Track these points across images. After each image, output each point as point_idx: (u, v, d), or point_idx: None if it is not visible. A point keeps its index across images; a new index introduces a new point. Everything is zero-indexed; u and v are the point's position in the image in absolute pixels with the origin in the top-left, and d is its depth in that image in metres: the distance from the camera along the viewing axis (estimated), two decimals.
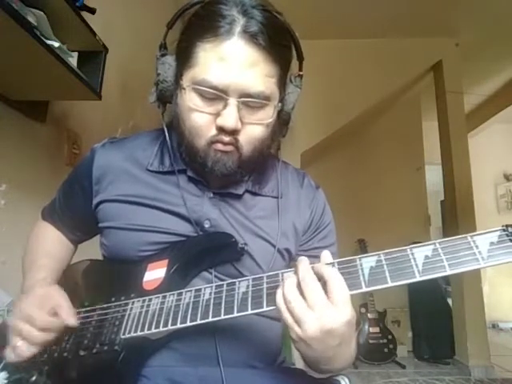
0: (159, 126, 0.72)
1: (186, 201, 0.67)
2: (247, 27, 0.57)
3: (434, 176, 4.10)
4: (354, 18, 3.02)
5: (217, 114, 0.59)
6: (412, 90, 3.75)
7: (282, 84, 0.64)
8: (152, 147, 0.73)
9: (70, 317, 0.58)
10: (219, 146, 0.61)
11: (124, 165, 0.71)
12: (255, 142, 0.63)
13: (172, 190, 0.69)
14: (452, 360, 3.13)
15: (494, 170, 4.94)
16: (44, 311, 0.58)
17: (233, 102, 0.58)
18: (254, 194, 0.72)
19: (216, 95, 0.58)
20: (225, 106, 0.58)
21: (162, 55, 0.66)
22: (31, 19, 0.87)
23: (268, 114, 0.62)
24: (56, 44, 0.96)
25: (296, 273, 0.50)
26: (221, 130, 0.59)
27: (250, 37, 0.56)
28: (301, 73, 0.69)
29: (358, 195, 3.77)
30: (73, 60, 1.10)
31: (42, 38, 0.89)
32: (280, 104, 0.64)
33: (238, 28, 0.56)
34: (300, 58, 0.68)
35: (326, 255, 0.53)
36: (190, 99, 0.60)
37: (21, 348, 0.56)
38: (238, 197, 0.70)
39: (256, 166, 0.71)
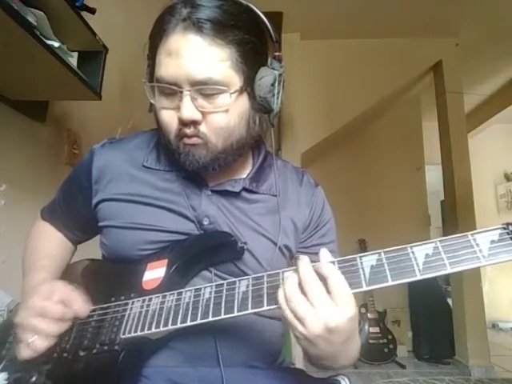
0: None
1: (184, 198, 0.68)
2: (189, 16, 0.57)
3: (434, 176, 4.10)
4: (354, 17, 3.02)
5: (178, 109, 0.60)
6: (412, 90, 3.75)
7: (245, 67, 0.61)
8: (148, 146, 0.74)
9: (81, 305, 0.60)
10: (186, 140, 0.62)
11: (123, 164, 0.72)
12: (221, 131, 0.62)
13: (170, 188, 0.69)
14: (452, 360, 3.12)
15: (494, 170, 4.93)
16: (55, 303, 0.58)
17: (186, 92, 0.58)
18: (251, 191, 0.72)
19: (171, 89, 0.59)
20: (181, 99, 0.59)
21: (148, 65, 0.67)
22: (31, 19, 0.87)
23: (226, 100, 0.60)
24: (56, 44, 0.95)
25: (297, 271, 0.50)
26: (181, 123, 0.60)
27: (192, 24, 0.57)
28: (277, 54, 0.65)
29: (358, 195, 3.77)
30: (73, 60, 1.10)
31: (42, 37, 0.89)
32: (241, 88, 0.61)
33: (181, 19, 0.58)
34: (272, 39, 0.65)
35: (325, 252, 0.53)
36: (155, 99, 0.62)
37: (36, 342, 0.56)
38: (236, 194, 0.70)
39: (236, 157, 0.68)
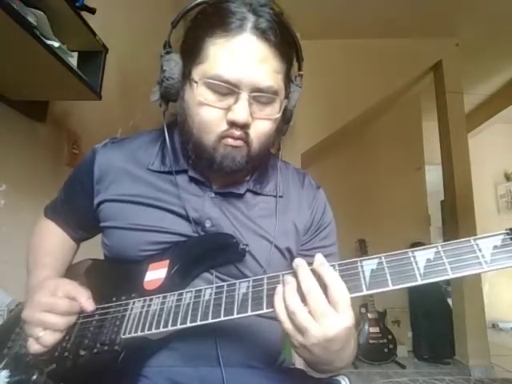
0: (159, 125, 0.71)
1: (186, 200, 0.67)
2: (258, 24, 0.58)
3: (434, 176, 4.10)
4: (354, 18, 3.02)
5: (228, 109, 0.60)
6: (412, 90, 3.75)
7: (288, 81, 0.66)
8: (153, 147, 0.73)
9: (87, 299, 0.60)
10: (229, 141, 0.62)
11: (125, 165, 0.71)
12: (263, 138, 0.64)
13: (173, 190, 0.69)
14: (452, 360, 3.13)
15: (494, 170, 4.94)
16: (61, 297, 0.59)
17: (244, 96, 0.59)
18: (255, 193, 0.72)
19: (229, 89, 0.59)
20: (236, 101, 0.59)
21: (167, 53, 0.66)
22: (31, 19, 0.87)
23: (276, 110, 0.63)
24: (56, 44, 0.95)
25: (295, 277, 0.50)
26: (232, 124, 0.60)
27: (261, 33, 0.58)
28: (301, 72, 0.71)
29: (358, 195, 3.77)
30: (73, 60, 1.10)
31: (42, 37, 0.89)
32: (286, 100, 0.66)
33: (249, 24, 0.58)
34: (300, 59, 0.69)
35: (319, 257, 0.53)
36: (200, 94, 0.60)
37: (44, 337, 0.57)
38: (240, 196, 0.70)
39: (261, 163, 0.72)
